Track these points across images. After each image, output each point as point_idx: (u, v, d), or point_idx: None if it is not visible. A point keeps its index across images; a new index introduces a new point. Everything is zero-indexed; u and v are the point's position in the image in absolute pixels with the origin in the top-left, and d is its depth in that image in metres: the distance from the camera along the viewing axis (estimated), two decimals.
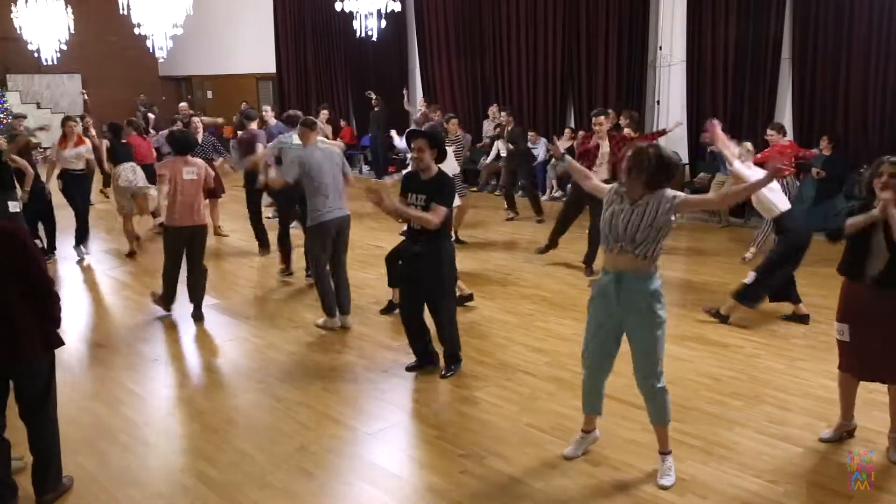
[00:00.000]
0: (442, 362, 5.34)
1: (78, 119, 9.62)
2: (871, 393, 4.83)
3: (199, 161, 6.63)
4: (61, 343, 3.77)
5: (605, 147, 7.78)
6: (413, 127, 11.19)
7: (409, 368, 5.40)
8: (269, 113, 10.62)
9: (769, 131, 8.62)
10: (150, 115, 15.23)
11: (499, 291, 7.28)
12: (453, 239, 8.51)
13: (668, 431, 3.95)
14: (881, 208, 3.82)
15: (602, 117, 7.80)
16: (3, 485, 3.64)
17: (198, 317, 6.59)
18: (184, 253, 6.51)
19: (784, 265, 6.03)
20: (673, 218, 3.73)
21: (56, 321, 3.71)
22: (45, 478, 3.79)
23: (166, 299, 6.67)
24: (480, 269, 8.05)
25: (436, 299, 5.15)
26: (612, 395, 4.86)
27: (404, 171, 5.98)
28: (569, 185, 11.93)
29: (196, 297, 6.61)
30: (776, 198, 6.06)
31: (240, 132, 9.32)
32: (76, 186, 8.94)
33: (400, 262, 5.58)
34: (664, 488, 3.82)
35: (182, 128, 9.33)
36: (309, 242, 6.27)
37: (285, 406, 4.88)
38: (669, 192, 3.71)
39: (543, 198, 12.46)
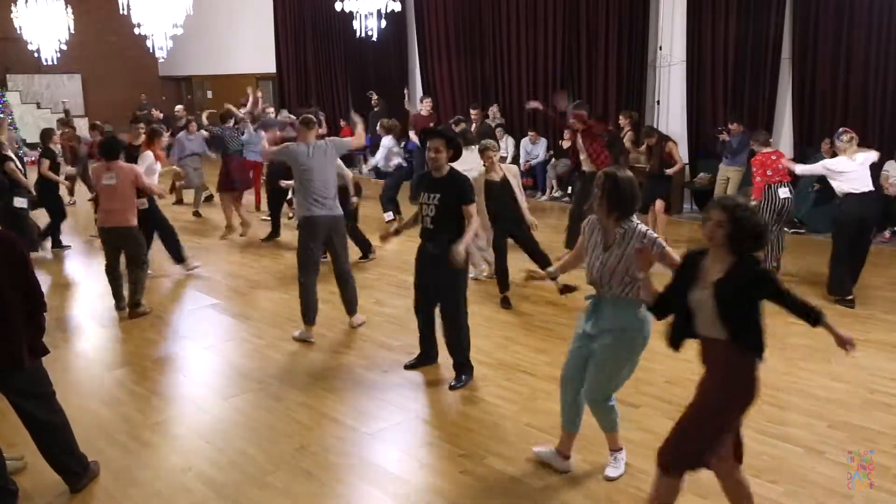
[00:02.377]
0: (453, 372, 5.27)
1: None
2: (873, 394, 4.85)
3: (123, 166, 6.68)
4: (47, 351, 3.79)
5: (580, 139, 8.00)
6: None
7: (407, 366, 5.41)
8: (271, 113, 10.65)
9: (751, 143, 8.09)
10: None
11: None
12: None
13: (617, 436, 3.94)
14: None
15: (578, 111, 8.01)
16: (2, 490, 3.64)
17: (131, 315, 6.73)
18: (118, 253, 6.79)
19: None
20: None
21: (42, 330, 3.75)
22: (69, 473, 3.86)
23: (113, 295, 6.93)
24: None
25: (447, 305, 5.12)
26: None
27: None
28: (570, 187, 11.95)
29: (130, 294, 6.78)
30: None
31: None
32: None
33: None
34: (609, 479, 3.88)
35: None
36: (300, 238, 5.99)
37: (285, 406, 4.88)
38: (642, 228, 3.58)
39: (543, 198, 12.46)
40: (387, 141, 10.30)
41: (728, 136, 9.97)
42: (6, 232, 3.73)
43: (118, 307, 6.87)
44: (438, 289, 5.09)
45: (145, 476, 4.06)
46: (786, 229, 9.26)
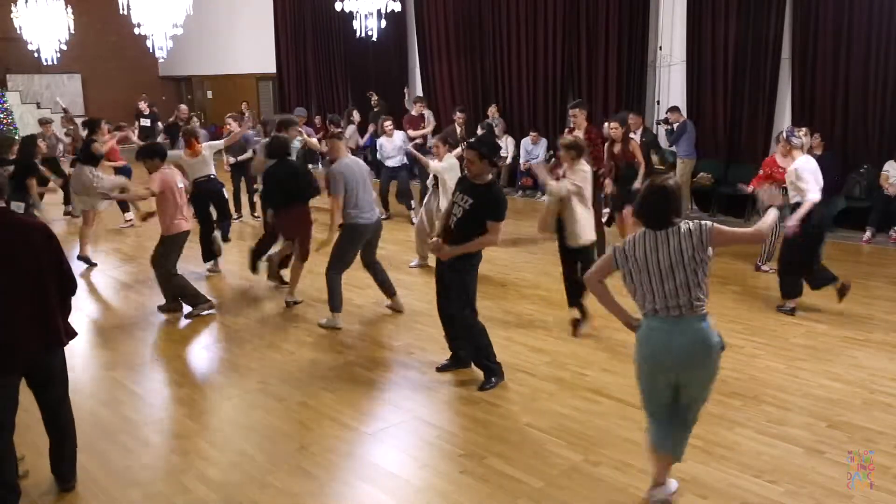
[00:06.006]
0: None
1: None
2: (873, 393, 4.85)
3: (155, 175, 6.47)
4: (76, 333, 3.90)
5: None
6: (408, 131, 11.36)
7: (439, 369, 5.36)
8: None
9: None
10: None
11: (499, 291, 7.28)
12: None
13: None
14: None
15: (577, 109, 7.95)
16: (9, 489, 3.64)
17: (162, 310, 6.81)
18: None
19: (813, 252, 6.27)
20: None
21: (70, 312, 3.89)
22: (70, 463, 3.90)
23: (191, 302, 6.77)
24: (480, 269, 8.02)
25: (451, 304, 5.12)
26: (610, 394, 4.89)
27: None
28: None
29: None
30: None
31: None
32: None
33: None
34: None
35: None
36: (341, 240, 6.28)
37: (285, 406, 4.88)
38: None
39: (543, 198, 12.43)
40: (399, 137, 10.46)
41: (666, 125, 10.18)
42: (40, 222, 3.91)
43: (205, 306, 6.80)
44: (446, 288, 5.11)
45: (145, 476, 4.06)
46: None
